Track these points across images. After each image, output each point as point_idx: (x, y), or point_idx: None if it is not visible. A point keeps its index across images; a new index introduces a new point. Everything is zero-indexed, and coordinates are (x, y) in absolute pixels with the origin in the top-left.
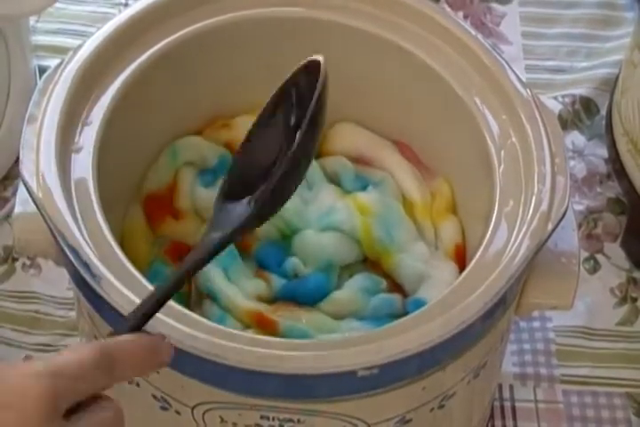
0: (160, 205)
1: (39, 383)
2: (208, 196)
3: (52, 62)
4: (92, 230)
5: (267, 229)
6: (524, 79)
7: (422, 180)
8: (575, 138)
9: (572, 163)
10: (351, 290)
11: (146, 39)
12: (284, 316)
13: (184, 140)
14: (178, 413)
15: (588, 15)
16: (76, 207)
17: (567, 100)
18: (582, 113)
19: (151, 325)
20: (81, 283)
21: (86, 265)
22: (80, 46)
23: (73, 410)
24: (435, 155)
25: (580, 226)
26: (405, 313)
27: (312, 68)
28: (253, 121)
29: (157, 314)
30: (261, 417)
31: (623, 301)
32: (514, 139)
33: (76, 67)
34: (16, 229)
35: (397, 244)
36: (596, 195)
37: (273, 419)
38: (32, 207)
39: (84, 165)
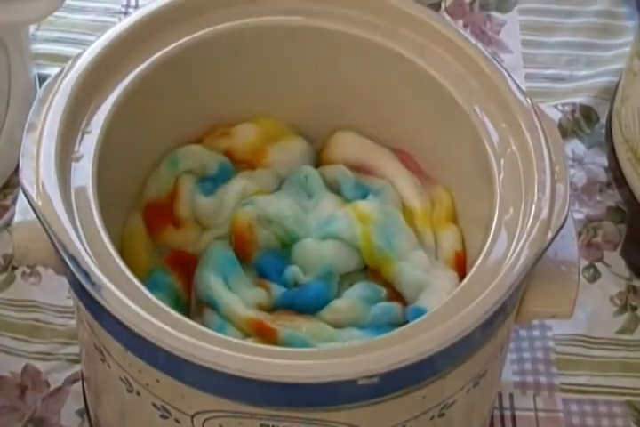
0: (160, 214)
1: None
2: (208, 204)
3: (52, 71)
4: (92, 239)
5: (267, 238)
6: (523, 88)
7: (422, 188)
8: (575, 146)
9: (571, 171)
10: (351, 299)
11: (145, 47)
12: (283, 324)
13: (184, 149)
14: (177, 421)
15: (589, 24)
16: (76, 216)
17: (567, 108)
18: (582, 121)
19: (149, 332)
20: (81, 291)
21: (86, 274)
22: (80, 55)
23: None
24: (435, 163)
25: (579, 234)
26: (405, 322)
27: None
28: None
29: (157, 322)
30: (261, 426)
31: (623, 309)
32: (514, 147)
33: (75, 75)
34: (16, 237)
35: (397, 252)
36: (596, 203)
37: None
38: (32, 216)
39: (83, 173)
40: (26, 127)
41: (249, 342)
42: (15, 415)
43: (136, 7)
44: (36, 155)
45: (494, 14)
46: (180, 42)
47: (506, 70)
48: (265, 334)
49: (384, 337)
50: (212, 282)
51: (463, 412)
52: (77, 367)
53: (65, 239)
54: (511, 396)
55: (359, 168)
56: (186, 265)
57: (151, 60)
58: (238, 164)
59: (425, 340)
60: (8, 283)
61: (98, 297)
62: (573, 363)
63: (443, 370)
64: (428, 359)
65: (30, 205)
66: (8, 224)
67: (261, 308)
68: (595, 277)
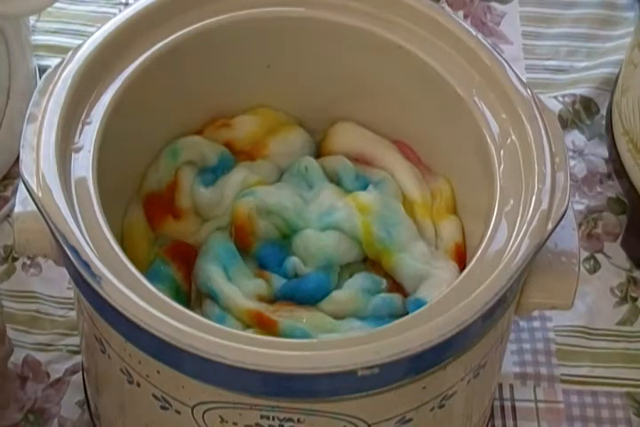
0: (160, 205)
1: None
2: (208, 195)
3: (52, 62)
4: (92, 230)
5: (267, 229)
6: (524, 79)
7: (422, 179)
8: (575, 137)
9: (572, 162)
10: (351, 290)
11: (146, 39)
12: (284, 315)
13: (184, 140)
14: (178, 412)
15: (589, 15)
16: (76, 207)
17: (567, 99)
18: (582, 113)
19: (149, 323)
20: (81, 283)
21: (86, 265)
22: (80, 46)
23: None
24: (435, 154)
25: (580, 225)
26: (406, 313)
27: None
28: None
29: (157, 313)
30: (261, 417)
31: (623, 300)
32: (514, 138)
33: (76, 66)
34: (16, 228)
35: (397, 243)
36: (597, 194)
37: (273, 418)
38: (32, 207)
39: (83, 164)
40: (26, 118)
41: (249, 333)
42: (15, 406)
43: None
44: (36, 146)
45: (494, 5)
46: (180, 33)
47: (506, 61)
48: (265, 325)
49: (384, 328)
50: (212, 273)
51: (463, 403)
52: (78, 358)
53: (65, 230)
54: (511, 387)
55: (359, 159)
56: (186, 256)
57: (152, 51)
58: (238, 155)
59: (425, 331)
60: (8, 274)
61: (98, 288)
62: (574, 354)
63: (443, 361)
64: (428, 350)
65: (30, 196)
66: (8, 215)
67: (261, 299)
68: (595, 268)
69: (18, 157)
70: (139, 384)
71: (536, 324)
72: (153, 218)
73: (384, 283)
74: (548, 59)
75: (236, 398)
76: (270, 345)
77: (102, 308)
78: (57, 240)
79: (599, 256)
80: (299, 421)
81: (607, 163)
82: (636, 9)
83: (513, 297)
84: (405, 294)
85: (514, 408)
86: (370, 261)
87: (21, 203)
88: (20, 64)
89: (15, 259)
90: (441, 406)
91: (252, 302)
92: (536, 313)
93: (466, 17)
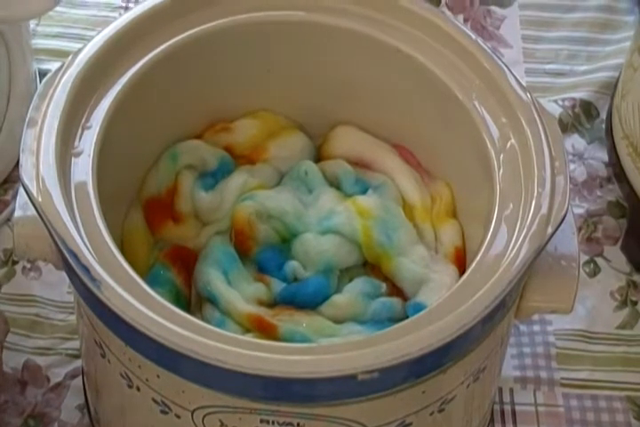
0: (160, 209)
1: None
2: (208, 199)
3: (52, 66)
4: (92, 234)
5: (266, 233)
6: (524, 82)
7: (422, 183)
8: (575, 141)
9: (572, 166)
10: (351, 294)
11: (146, 43)
12: (283, 320)
13: (184, 144)
14: (178, 416)
15: (589, 19)
16: (76, 211)
17: (567, 103)
18: (582, 116)
19: (149, 328)
20: (81, 287)
21: (86, 269)
22: (80, 50)
23: None
24: (434, 158)
25: (579, 229)
26: (405, 317)
27: None
28: None
29: (157, 317)
30: (261, 421)
31: (623, 304)
32: (513, 142)
33: (76, 70)
34: (16, 232)
35: (397, 247)
36: (596, 198)
37: (273, 423)
38: (32, 211)
39: (83, 168)
40: (26, 122)
41: (249, 338)
42: (15, 411)
43: (136, 2)
44: (36, 150)
45: (494, 9)
46: (180, 37)
47: (506, 65)
48: (265, 330)
49: (384, 332)
50: (212, 277)
51: (463, 407)
52: (77, 362)
53: (65, 235)
54: (511, 391)
55: (359, 163)
56: (186, 260)
57: (151, 55)
58: (238, 159)
59: (425, 335)
60: (8, 277)
61: (98, 293)
62: (574, 358)
63: (443, 365)
64: (427, 355)
65: (30, 200)
66: (9, 219)
67: (261, 303)
68: (595, 271)
69: (18, 161)
70: (138, 388)
71: (536, 328)
72: (153, 222)
73: (384, 287)
74: (548, 62)
75: (235, 402)
76: (270, 349)
77: (102, 312)
78: (57, 245)
79: (599, 260)
80: (298, 425)
81: (607, 167)
82: (635, 13)
83: (513, 301)
84: (405, 298)
85: (514, 412)
86: (369, 265)
87: (21, 207)
88: (20, 68)
89: (15, 262)
90: (441, 411)
91: (251, 306)
92: (536, 317)
93: (466, 21)
